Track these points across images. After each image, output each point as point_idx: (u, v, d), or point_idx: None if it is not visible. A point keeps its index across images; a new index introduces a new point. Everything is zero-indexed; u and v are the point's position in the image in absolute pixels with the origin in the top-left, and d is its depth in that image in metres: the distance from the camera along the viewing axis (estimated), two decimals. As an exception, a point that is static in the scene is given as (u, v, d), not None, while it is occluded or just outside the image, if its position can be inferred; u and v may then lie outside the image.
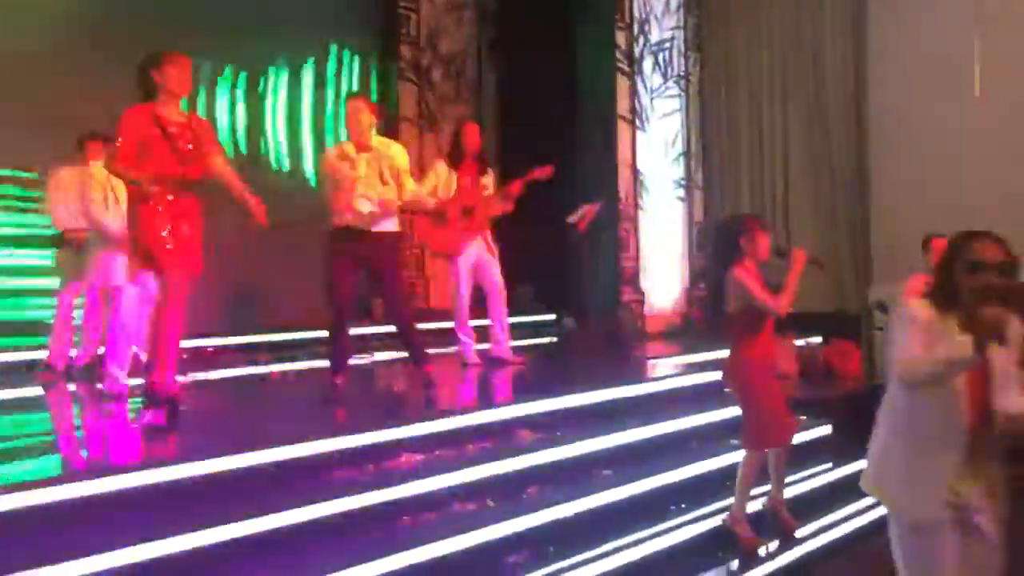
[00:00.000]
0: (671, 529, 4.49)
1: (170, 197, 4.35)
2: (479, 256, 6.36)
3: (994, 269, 2.66)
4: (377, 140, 5.46)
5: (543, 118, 9.35)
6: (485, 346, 6.54)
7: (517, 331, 8.46)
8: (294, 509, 3.58)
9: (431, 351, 5.66)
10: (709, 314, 8.01)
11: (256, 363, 7.12)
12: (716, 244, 4.92)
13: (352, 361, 5.78)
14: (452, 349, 6.60)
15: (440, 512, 4.02)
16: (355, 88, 9.40)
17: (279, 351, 7.46)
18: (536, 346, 8.16)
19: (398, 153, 5.46)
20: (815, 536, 4.95)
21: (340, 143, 5.59)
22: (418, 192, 5.73)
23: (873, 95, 9.84)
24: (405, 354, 5.72)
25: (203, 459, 3.68)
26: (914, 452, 2.81)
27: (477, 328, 6.56)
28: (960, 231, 2.82)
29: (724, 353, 4.90)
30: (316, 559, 3.43)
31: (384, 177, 5.33)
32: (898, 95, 9.55)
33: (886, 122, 9.74)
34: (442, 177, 6.30)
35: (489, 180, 6.48)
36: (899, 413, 2.85)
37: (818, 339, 8.81)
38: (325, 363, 5.57)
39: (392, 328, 5.64)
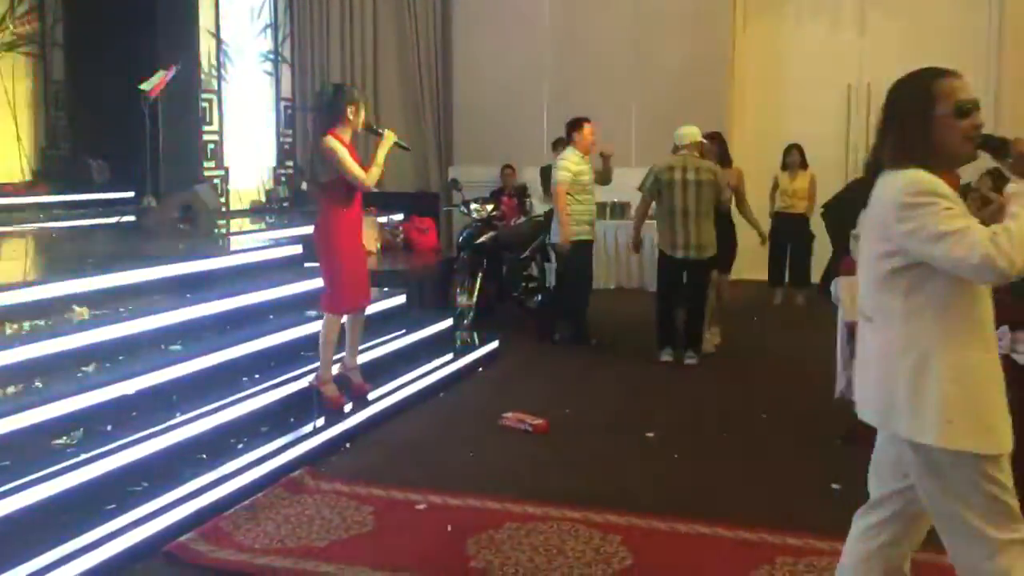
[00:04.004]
0: (245, 398, 4.50)
1: None
2: None
3: (977, 106, 2.15)
4: None
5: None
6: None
7: (90, 208, 7.76)
8: None
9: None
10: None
11: None
12: (323, 107, 4.95)
13: None
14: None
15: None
16: None
17: None
18: (110, 225, 7.54)
19: None
20: (388, 396, 5.28)
21: None
22: None
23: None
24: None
25: None
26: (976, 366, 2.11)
27: None
28: (920, 71, 2.18)
29: (304, 229, 4.95)
30: None
31: None
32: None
33: (471, 35, 10.40)
34: None
35: None
36: (929, 324, 2.10)
37: (399, 216, 9.19)
38: None
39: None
